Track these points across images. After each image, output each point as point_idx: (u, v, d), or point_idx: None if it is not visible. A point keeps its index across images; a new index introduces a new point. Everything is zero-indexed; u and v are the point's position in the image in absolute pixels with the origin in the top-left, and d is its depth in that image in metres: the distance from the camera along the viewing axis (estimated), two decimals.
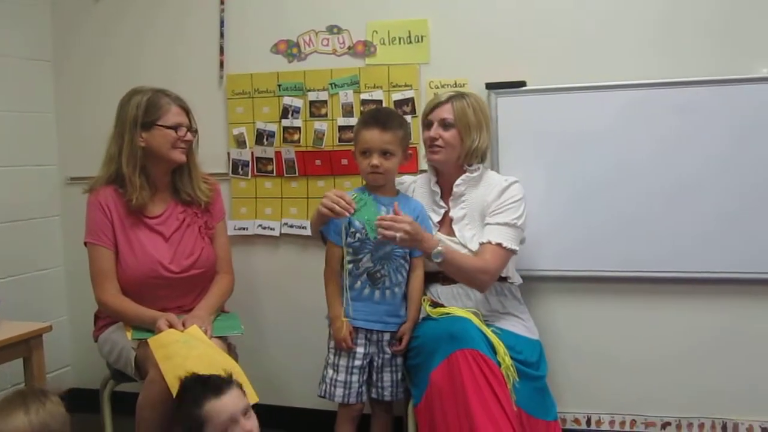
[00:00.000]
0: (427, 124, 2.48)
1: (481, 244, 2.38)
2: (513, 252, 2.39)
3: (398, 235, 2.18)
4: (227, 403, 1.93)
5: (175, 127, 2.44)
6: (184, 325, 2.30)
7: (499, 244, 2.35)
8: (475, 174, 2.47)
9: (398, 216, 2.23)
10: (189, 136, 2.49)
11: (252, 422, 1.96)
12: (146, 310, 2.39)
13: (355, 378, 2.37)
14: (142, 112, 2.42)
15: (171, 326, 2.28)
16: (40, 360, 2.46)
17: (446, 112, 2.43)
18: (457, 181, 2.47)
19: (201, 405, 1.92)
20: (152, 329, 2.31)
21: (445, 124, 2.43)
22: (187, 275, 2.49)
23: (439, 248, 2.27)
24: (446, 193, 2.52)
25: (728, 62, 2.52)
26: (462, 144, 2.43)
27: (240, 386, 2.00)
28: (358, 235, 2.36)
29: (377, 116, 2.39)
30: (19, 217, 3.13)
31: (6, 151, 3.07)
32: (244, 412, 1.95)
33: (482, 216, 2.44)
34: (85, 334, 2.72)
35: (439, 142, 2.42)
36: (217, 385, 1.97)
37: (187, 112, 2.51)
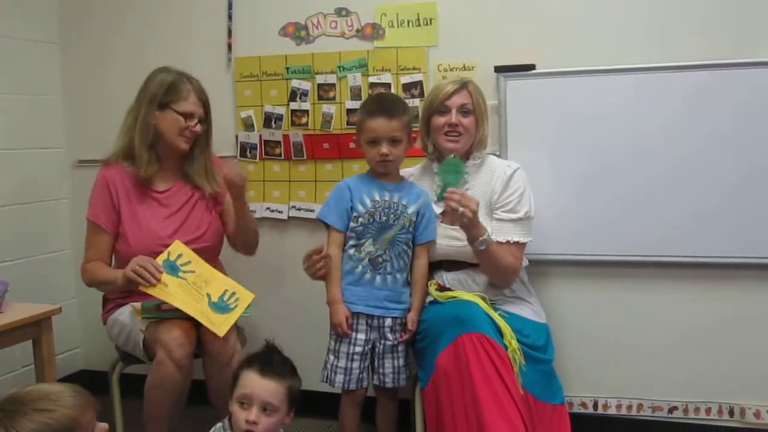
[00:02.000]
0: (441, 111, 2.43)
1: (498, 242, 2.37)
2: (528, 242, 2.43)
3: (461, 209, 2.19)
4: (257, 386, 1.90)
5: (187, 116, 2.46)
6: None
7: (517, 242, 2.39)
8: (478, 161, 2.48)
9: (467, 195, 2.26)
10: (198, 127, 2.50)
11: (263, 420, 1.88)
12: (112, 272, 2.45)
13: (355, 364, 2.38)
14: (163, 91, 2.46)
15: (140, 274, 2.29)
16: (50, 342, 2.47)
17: (464, 98, 2.43)
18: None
19: (245, 369, 1.94)
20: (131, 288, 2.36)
21: (464, 110, 2.41)
22: (193, 248, 2.48)
23: (485, 236, 2.29)
24: None
25: (732, 47, 2.50)
26: (477, 131, 2.44)
27: (289, 393, 1.94)
28: (360, 219, 2.36)
29: (382, 104, 2.37)
30: (28, 199, 3.14)
31: (14, 134, 3.07)
32: (263, 406, 1.88)
33: (488, 204, 2.44)
34: (94, 316, 2.73)
35: (460, 129, 2.41)
36: (271, 365, 1.94)
37: (205, 104, 2.53)
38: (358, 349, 2.38)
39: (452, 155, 2.37)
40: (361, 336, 2.38)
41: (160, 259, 2.35)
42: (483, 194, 2.44)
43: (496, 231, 2.40)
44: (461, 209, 2.20)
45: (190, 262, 2.41)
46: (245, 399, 1.90)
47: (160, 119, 2.47)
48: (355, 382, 2.38)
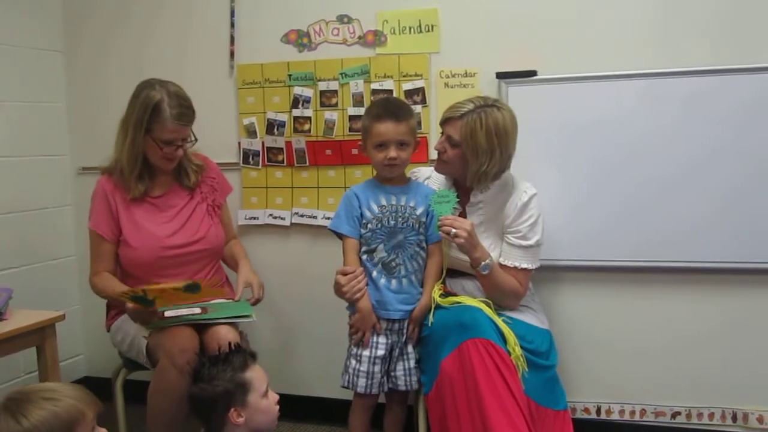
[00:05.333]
0: (441, 130, 2.43)
1: (505, 266, 2.38)
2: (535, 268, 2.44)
3: (454, 231, 2.22)
4: (263, 374, 2.02)
5: (166, 144, 2.45)
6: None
7: (525, 269, 2.39)
8: (491, 189, 2.44)
9: (460, 218, 2.30)
10: (180, 151, 2.49)
11: (274, 396, 2.06)
12: (114, 288, 2.43)
13: (377, 368, 2.36)
14: (147, 115, 2.42)
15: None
16: (54, 348, 2.47)
17: (454, 130, 2.35)
18: (474, 192, 2.45)
19: (245, 370, 1.99)
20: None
21: (451, 142, 2.38)
22: (194, 250, 2.51)
23: (488, 261, 2.30)
24: (461, 196, 2.45)
25: (734, 51, 2.50)
26: (468, 165, 2.36)
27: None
28: (369, 225, 2.37)
29: (390, 108, 2.36)
30: (32, 206, 3.15)
31: (18, 141, 3.08)
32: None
33: (498, 225, 2.43)
34: (98, 322, 2.74)
35: (444, 157, 2.41)
36: (251, 355, 2.07)
37: (189, 120, 2.48)
38: (380, 353, 2.37)
39: (443, 187, 2.41)
40: (383, 340, 2.37)
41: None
42: (495, 215, 2.43)
43: (505, 254, 2.40)
44: (454, 231, 2.22)
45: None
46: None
47: (144, 142, 2.46)
48: (377, 386, 2.37)
